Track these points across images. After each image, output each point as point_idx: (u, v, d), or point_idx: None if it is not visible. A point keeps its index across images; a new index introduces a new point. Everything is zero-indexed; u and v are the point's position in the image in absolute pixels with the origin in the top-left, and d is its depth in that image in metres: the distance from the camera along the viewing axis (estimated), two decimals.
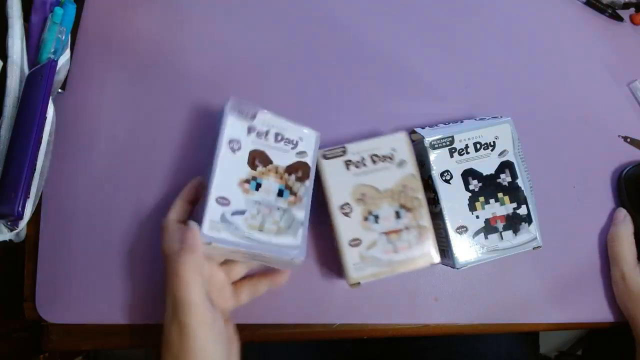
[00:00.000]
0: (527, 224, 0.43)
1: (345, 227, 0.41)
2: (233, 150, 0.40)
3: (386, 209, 0.42)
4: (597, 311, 0.48)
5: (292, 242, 0.40)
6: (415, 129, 0.45)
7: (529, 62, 0.51)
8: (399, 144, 0.42)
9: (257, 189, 0.40)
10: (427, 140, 0.43)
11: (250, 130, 0.41)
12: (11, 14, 0.43)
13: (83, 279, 0.45)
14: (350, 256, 0.41)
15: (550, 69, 0.51)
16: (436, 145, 0.43)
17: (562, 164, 0.50)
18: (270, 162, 0.41)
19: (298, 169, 0.41)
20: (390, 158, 0.42)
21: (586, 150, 0.50)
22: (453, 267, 0.42)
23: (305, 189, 0.41)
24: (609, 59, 0.52)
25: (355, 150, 0.42)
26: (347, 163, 0.42)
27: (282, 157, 0.41)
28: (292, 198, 0.41)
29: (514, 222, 0.43)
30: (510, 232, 0.43)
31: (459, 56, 0.51)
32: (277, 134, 0.41)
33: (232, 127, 0.40)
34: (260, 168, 0.40)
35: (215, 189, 0.38)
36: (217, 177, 0.39)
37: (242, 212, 0.39)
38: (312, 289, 0.46)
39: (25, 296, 0.45)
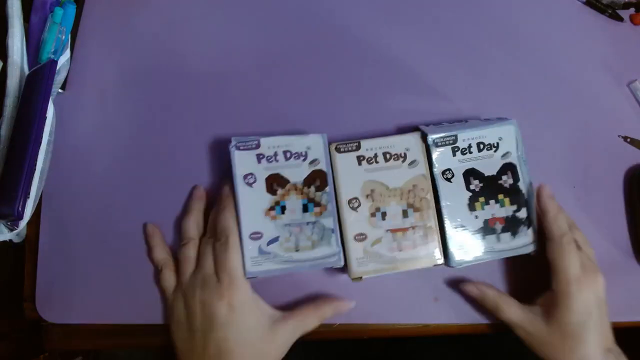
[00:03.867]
0: (526, 227, 0.43)
1: (352, 222, 0.41)
2: (250, 185, 0.41)
3: (394, 207, 0.42)
4: None
5: (329, 251, 0.41)
6: (419, 126, 0.45)
7: (529, 62, 0.51)
8: (413, 144, 0.43)
9: (282, 212, 0.41)
10: (431, 137, 0.43)
11: (259, 158, 0.42)
12: (11, 14, 0.43)
13: (83, 279, 0.45)
14: (354, 250, 0.41)
15: (550, 69, 0.51)
16: (439, 144, 0.43)
17: (562, 164, 0.50)
18: (287, 181, 0.42)
19: (315, 179, 0.42)
20: (403, 157, 0.42)
21: (586, 150, 0.50)
22: (448, 265, 0.42)
23: (328, 196, 0.42)
24: (609, 59, 0.52)
25: (369, 146, 0.43)
26: (360, 158, 0.42)
27: (297, 173, 0.42)
28: (317, 209, 0.41)
29: (512, 225, 0.43)
30: (508, 234, 0.42)
31: (458, 56, 0.51)
32: (285, 152, 0.42)
33: (242, 162, 0.42)
34: (279, 191, 0.42)
35: (245, 227, 0.41)
36: (243, 215, 0.41)
37: (276, 239, 0.41)
38: (313, 289, 0.46)
39: (25, 296, 0.45)
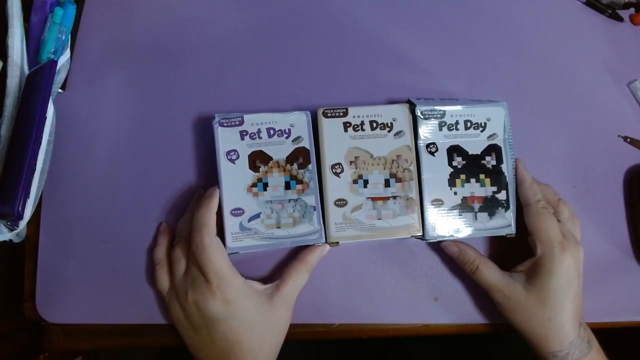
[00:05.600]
0: (504, 209, 0.43)
1: (334, 187, 0.42)
2: (232, 161, 0.41)
3: (377, 175, 0.42)
4: (597, 311, 0.48)
5: (310, 228, 0.41)
6: (410, 98, 0.45)
7: (528, 61, 0.51)
8: (400, 115, 0.43)
9: (265, 189, 0.41)
10: (419, 109, 0.43)
11: (242, 135, 0.42)
12: (11, 14, 0.43)
13: (83, 279, 0.45)
14: (333, 215, 0.42)
15: (550, 69, 0.51)
16: (427, 116, 0.43)
17: (561, 164, 0.50)
18: (270, 158, 0.42)
19: (298, 156, 0.42)
20: (390, 127, 0.43)
21: (586, 150, 0.50)
22: (423, 238, 0.42)
23: (310, 173, 0.42)
24: (609, 59, 0.52)
25: (356, 113, 0.43)
26: (346, 125, 0.43)
27: (280, 150, 0.42)
28: (299, 187, 0.42)
29: (491, 206, 0.43)
30: (485, 214, 0.43)
31: (458, 56, 0.51)
32: (268, 129, 0.42)
33: (225, 139, 0.42)
34: (262, 168, 0.42)
35: (227, 203, 0.41)
36: (225, 191, 0.41)
37: (257, 216, 0.41)
38: (312, 289, 0.46)
39: (25, 296, 0.45)
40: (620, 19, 0.52)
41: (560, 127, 0.50)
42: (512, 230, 0.43)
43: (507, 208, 0.43)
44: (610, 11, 0.52)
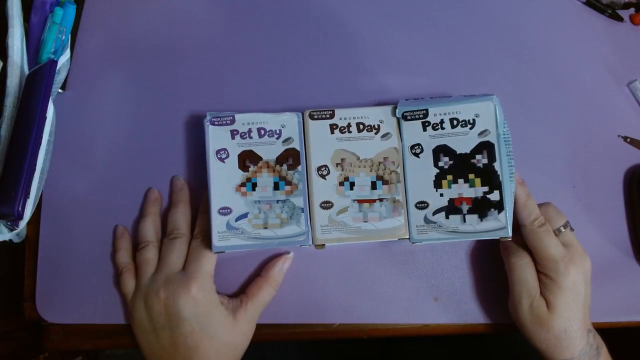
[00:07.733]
0: (496, 211, 0.41)
1: (319, 189, 0.42)
2: (222, 160, 0.41)
3: (363, 177, 0.42)
4: (597, 311, 0.47)
5: (297, 230, 0.41)
6: (399, 100, 0.44)
7: (528, 62, 0.51)
8: (387, 117, 0.43)
9: (253, 189, 0.41)
10: (399, 111, 0.42)
11: (233, 134, 0.42)
12: (11, 14, 0.43)
13: (83, 279, 0.45)
14: (319, 218, 0.41)
15: (550, 69, 0.51)
16: (408, 117, 0.42)
17: (561, 164, 0.50)
18: (260, 158, 0.42)
19: (288, 157, 0.42)
20: (376, 129, 0.42)
21: (586, 150, 0.50)
22: (410, 241, 0.42)
23: (299, 175, 0.42)
24: (609, 59, 0.52)
25: (343, 115, 0.43)
26: (333, 127, 0.42)
27: (270, 150, 0.42)
28: (288, 188, 0.42)
29: (481, 207, 0.41)
30: (475, 216, 0.41)
31: (457, 55, 0.51)
32: (259, 129, 0.42)
33: (215, 137, 0.42)
34: (251, 168, 0.42)
35: (215, 202, 0.41)
36: (213, 190, 0.41)
37: (244, 216, 0.41)
38: (312, 289, 0.46)
39: (25, 296, 0.45)
40: (620, 19, 0.52)
41: (560, 126, 0.50)
42: (507, 233, 0.40)
43: (500, 210, 0.41)
44: (610, 11, 0.52)
